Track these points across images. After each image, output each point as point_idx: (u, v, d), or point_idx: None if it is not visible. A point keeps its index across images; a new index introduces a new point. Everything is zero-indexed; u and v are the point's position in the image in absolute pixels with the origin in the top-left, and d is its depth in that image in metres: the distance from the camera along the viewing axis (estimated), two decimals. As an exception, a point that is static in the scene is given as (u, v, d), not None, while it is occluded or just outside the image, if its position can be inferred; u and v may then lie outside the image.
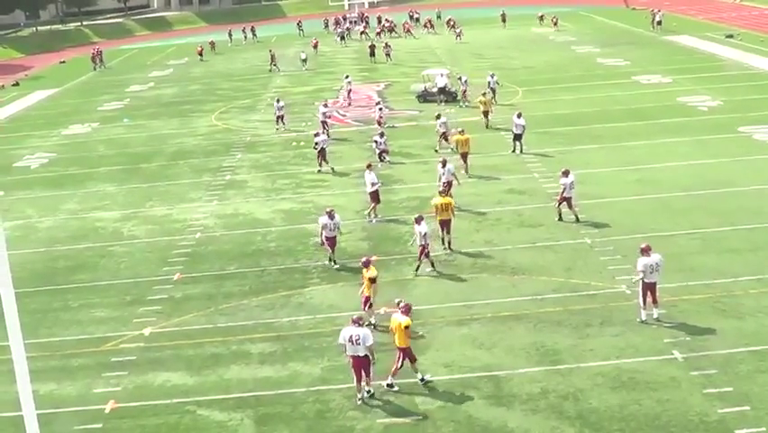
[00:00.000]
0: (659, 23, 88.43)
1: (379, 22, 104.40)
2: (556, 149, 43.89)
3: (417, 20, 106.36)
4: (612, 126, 48.25)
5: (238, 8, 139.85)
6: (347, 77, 62.37)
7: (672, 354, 22.73)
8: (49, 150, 54.05)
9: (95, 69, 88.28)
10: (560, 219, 33.24)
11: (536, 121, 49.34)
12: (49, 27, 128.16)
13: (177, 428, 21.41)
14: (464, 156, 40.33)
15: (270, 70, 79.85)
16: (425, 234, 28.81)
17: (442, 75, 59.55)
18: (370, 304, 25.53)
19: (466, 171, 39.79)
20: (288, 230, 35.20)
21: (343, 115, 57.25)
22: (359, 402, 21.49)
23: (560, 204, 33.27)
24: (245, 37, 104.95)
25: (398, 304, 22.44)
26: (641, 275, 24.42)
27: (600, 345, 23.73)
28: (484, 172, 40.23)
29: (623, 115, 50.66)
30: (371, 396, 21.71)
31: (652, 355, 22.61)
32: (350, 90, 61.10)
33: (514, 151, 43.30)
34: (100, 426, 21.69)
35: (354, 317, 21.94)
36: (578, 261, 29.60)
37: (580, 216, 33.12)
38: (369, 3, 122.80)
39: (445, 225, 31.08)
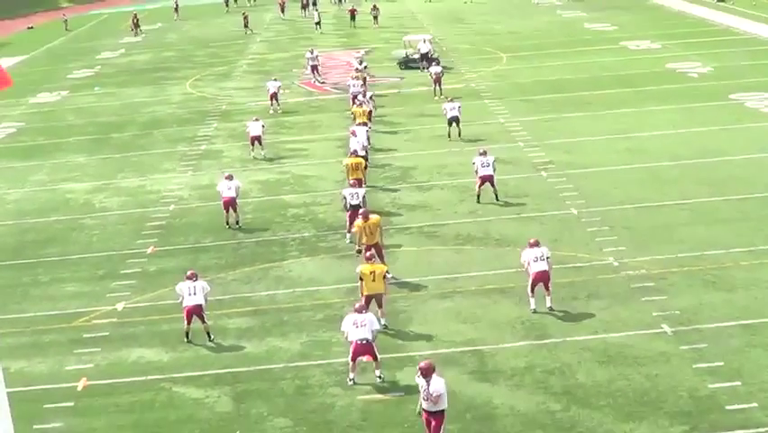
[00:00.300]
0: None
1: None
2: (542, 117, 43.91)
3: None
4: (600, 93, 48.29)
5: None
6: (312, 51, 58.89)
7: (661, 327, 22.82)
8: (16, 119, 53.67)
9: (136, 35, 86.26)
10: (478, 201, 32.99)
11: (521, 88, 49.41)
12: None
13: (152, 405, 21.40)
14: None
15: (246, 34, 79.57)
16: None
17: (424, 41, 59.44)
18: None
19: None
20: (265, 201, 35.15)
21: (322, 83, 57.03)
22: (350, 383, 21.40)
23: (480, 185, 32.71)
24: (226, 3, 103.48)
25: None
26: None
27: (587, 318, 23.81)
28: (469, 142, 40.20)
29: (611, 82, 50.69)
30: (383, 380, 21.55)
31: (640, 329, 22.70)
32: (315, 66, 57.79)
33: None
34: (72, 404, 21.65)
35: (356, 305, 21.89)
36: (564, 232, 29.67)
37: (557, 189, 33.21)
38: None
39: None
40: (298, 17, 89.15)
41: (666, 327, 22.74)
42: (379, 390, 21.16)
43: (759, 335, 22.26)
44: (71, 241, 32.61)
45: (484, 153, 32.78)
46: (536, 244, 24.29)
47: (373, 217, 26.99)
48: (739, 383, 20.29)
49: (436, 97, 47.40)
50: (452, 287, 26.25)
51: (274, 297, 26.65)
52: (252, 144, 40.75)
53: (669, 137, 39.46)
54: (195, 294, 23.68)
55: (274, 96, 49.46)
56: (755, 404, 19.40)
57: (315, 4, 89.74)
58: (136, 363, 23.37)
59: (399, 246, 29.46)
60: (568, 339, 22.80)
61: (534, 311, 24.23)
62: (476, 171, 32.67)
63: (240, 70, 63.83)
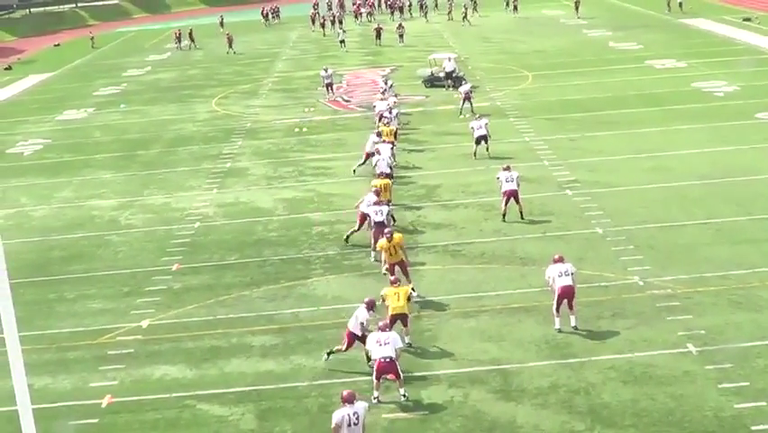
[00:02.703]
0: (680, 4, 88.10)
1: (387, 2, 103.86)
2: (568, 136, 43.83)
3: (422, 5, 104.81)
4: (625, 112, 48.19)
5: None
6: (326, 69, 59.32)
7: (687, 347, 22.72)
8: (43, 136, 54.09)
9: (189, 47, 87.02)
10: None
11: (547, 107, 49.37)
12: (42, 9, 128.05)
13: (176, 423, 21.46)
14: None
15: (227, 54, 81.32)
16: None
17: (449, 59, 59.46)
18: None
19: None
20: (290, 219, 35.22)
21: (347, 101, 57.22)
22: (374, 401, 21.33)
23: (506, 202, 32.70)
24: (266, 18, 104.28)
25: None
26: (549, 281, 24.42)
27: (612, 337, 23.74)
28: (494, 160, 40.20)
29: (636, 101, 50.59)
30: (407, 398, 21.54)
31: (665, 349, 22.61)
32: (330, 84, 58.57)
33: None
34: (96, 421, 21.73)
35: (380, 324, 21.94)
36: (589, 251, 29.59)
37: (582, 207, 33.17)
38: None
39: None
40: (324, 36, 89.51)
41: (691, 347, 22.64)
42: (404, 408, 21.15)
43: (786, 355, 22.18)
44: (97, 258, 32.77)
45: (508, 168, 32.81)
46: (561, 260, 24.30)
47: (396, 236, 27.13)
48: (765, 403, 20.17)
49: (461, 116, 47.40)
50: (476, 305, 26.23)
51: (298, 315, 26.68)
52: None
53: (694, 156, 39.34)
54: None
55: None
56: (782, 425, 19.31)
57: (341, 22, 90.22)
58: (161, 381, 23.44)
59: (424, 264, 29.46)
60: (593, 358, 22.74)
61: (559, 331, 24.18)
62: (500, 187, 32.69)
63: (265, 89, 64.06)
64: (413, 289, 24.08)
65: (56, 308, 28.67)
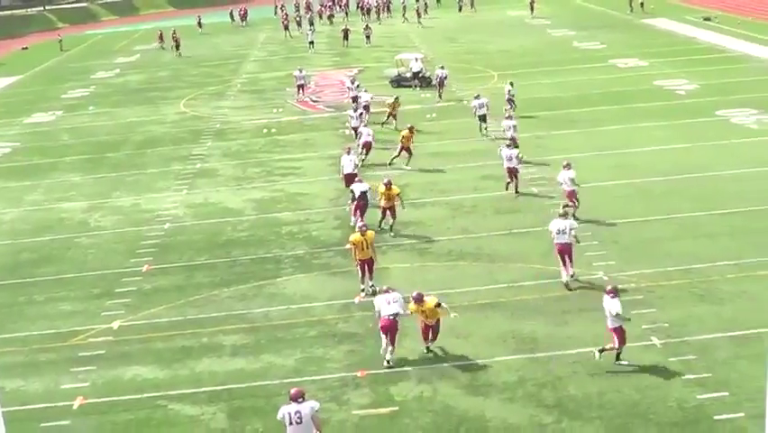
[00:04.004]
0: (641, 4, 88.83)
1: (358, 5, 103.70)
2: (533, 134, 43.94)
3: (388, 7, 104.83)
4: (589, 111, 48.48)
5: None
6: (300, 70, 58.99)
7: (651, 340, 22.90)
8: (11, 139, 53.70)
9: (179, 55, 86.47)
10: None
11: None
12: (10, 12, 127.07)
13: (148, 423, 21.38)
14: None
15: (177, 56, 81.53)
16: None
17: (416, 59, 59.63)
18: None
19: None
20: (259, 219, 35.18)
21: (315, 102, 57.19)
22: (385, 364, 22.48)
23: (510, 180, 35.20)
24: (232, 19, 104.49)
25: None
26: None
27: (578, 331, 23.90)
28: (460, 158, 40.31)
29: (600, 100, 50.89)
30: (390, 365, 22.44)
31: (630, 342, 22.67)
32: (302, 85, 58.25)
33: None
34: (68, 422, 21.61)
35: (385, 288, 23.36)
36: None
37: (548, 204, 33.32)
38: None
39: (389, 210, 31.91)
40: (293, 36, 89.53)
41: (655, 340, 22.81)
42: (374, 404, 21.19)
43: (746, 346, 22.37)
44: (66, 260, 32.59)
45: (509, 146, 35.17)
46: (565, 216, 27.17)
47: (369, 233, 27.31)
48: (727, 394, 20.39)
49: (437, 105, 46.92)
50: (445, 302, 26.21)
51: (268, 314, 26.66)
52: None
53: (657, 153, 39.63)
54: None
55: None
56: (743, 414, 19.48)
57: (311, 23, 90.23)
58: (132, 381, 23.35)
59: (392, 263, 29.51)
60: (559, 352, 22.87)
61: (566, 284, 26.47)
62: (502, 163, 35.29)
63: (234, 90, 63.93)
64: (447, 310, 23.61)
65: (26, 310, 28.48)
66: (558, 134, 43.72)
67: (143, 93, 65.92)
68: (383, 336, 22.60)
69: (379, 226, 31.80)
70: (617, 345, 21.75)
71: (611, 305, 21.54)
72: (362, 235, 26.98)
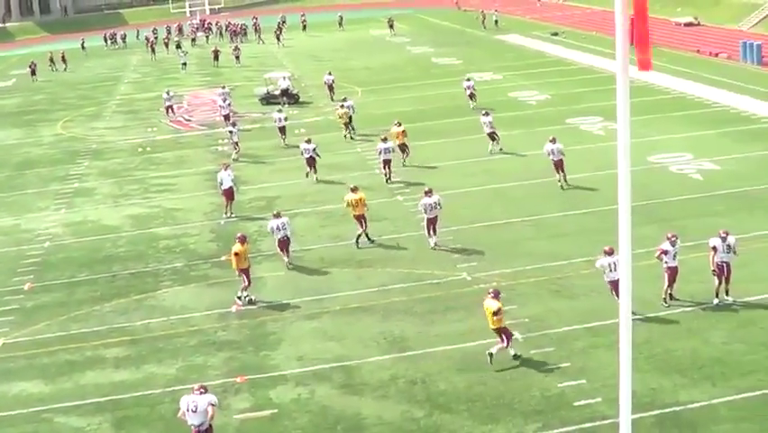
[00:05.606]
0: (495, 21, 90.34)
1: (227, 28, 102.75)
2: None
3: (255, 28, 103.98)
4: (450, 122, 48.97)
5: (80, 17, 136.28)
6: (168, 92, 58.32)
7: (513, 334, 23.20)
8: None
9: (57, 71, 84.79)
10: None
11: (376, 119, 49.68)
12: None
13: (34, 436, 20.87)
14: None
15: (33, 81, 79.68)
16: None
17: (284, 78, 59.74)
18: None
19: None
20: (137, 235, 34.61)
21: (188, 120, 56.59)
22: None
23: None
24: (107, 43, 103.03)
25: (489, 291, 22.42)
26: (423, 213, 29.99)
27: (445, 330, 24.14)
28: (331, 170, 40.33)
29: (459, 112, 51.32)
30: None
31: (494, 337, 22.97)
32: (170, 106, 57.09)
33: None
34: (-46, 439, 20.99)
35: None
36: (421, 251, 29.99)
37: (413, 212, 33.55)
38: (210, 9, 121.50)
39: (361, 218, 31.18)
40: (167, 56, 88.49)
41: (517, 334, 23.04)
42: (254, 408, 21.05)
43: (600, 336, 22.87)
44: (-52, 281, 31.55)
45: (554, 141, 35.76)
46: (430, 193, 29.85)
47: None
48: (584, 381, 20.85)
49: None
50: (318, 307, 26.28)
51: (149, 325, 26.24)
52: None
53: (513, 159, 40.31)
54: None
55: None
56: (600, 399, 19.95)
57: (179, 47, 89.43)
58: (18, 397, 22.71)
59: (267, 272, 29.34)
60: (429, 350, 23.06)
61: (432, 248, 29.61)
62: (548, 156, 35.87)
63: (109, 111, 62.76)
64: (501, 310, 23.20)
65: None
66: (420, 145, 43.86)
67: (20, 116, 64.15)
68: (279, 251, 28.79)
69: (363, 239, 31.17)
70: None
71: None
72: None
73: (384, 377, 21.92)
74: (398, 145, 40.29)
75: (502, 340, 22.01)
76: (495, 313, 21.74)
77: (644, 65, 10.56)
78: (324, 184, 38.64)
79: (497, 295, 22.06)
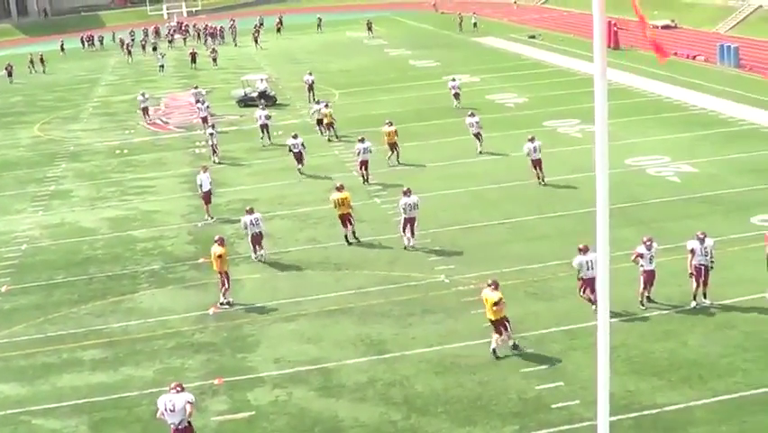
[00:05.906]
0: (474, 24, 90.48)
1: (205, 30, 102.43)
2: (376, 147, 44.07)
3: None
4: (427, 124, 49.00)
5: (57, 20, 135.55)
6: (143, 94, 58.05)
7: (491, 337, 23.21)
8: None
9: (36, 73, 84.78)
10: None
11: (354, 121, 49.67)
12: None
13: (10, 439, 20.74)
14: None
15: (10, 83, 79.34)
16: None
17: (261, 80, 59.74)
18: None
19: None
20: (114, 237, 34.45)
21: (166, 122, 56.39)
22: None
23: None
24: (84, 45, 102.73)
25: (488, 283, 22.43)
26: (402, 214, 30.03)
27: (423, 332, 24.11)
28: (308, 172, 40.26)
29: (437, 114, 51.45)
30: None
31: (471, 340, 23.07)
32: (146, 108, 56.99)
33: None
34: (-71, 443, 20.82)
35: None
36: (399, 254, 29.97)
37: (390, 214, 33.52)
38: (187, 12, 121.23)
39: (347, 218, 31.26)
40: (144, 58, 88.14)
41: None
42: (232, 410, 20.97)
43: (577, 338, 22.92)
44: (-77, 283, 31.31)
45: (532, 139, 36.56)
46: (408, 192, 29.99)
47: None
48: (562, 383, 20.86)
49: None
50: (296, 310, 26.22)
51: (127, 328, 26.11)
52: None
53: (491, 162, 40.36)
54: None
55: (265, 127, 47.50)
56: (577, 401, 19.97)
57: (155, 49, 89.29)
58: (-7, 399, 22.60)
59: (245, 275, 29.27)
60: (406, 353, 23.03)
61: (405, 247, 29.89)
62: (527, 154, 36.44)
63: (86, 113, 62.49)
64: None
65: None
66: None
67: (-4, 118, 63.83)
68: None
69: (351, 238, 31.49)
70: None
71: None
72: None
73: (361, 379, 21.88)
74: (389, 144, 40.80)
75: (499, 332, 22.05)
76: (496, 303, 21.87)
77: (663, 54, 10.49)
78: (301, 187, 38.59)
79: (497, 286, 22.17)
